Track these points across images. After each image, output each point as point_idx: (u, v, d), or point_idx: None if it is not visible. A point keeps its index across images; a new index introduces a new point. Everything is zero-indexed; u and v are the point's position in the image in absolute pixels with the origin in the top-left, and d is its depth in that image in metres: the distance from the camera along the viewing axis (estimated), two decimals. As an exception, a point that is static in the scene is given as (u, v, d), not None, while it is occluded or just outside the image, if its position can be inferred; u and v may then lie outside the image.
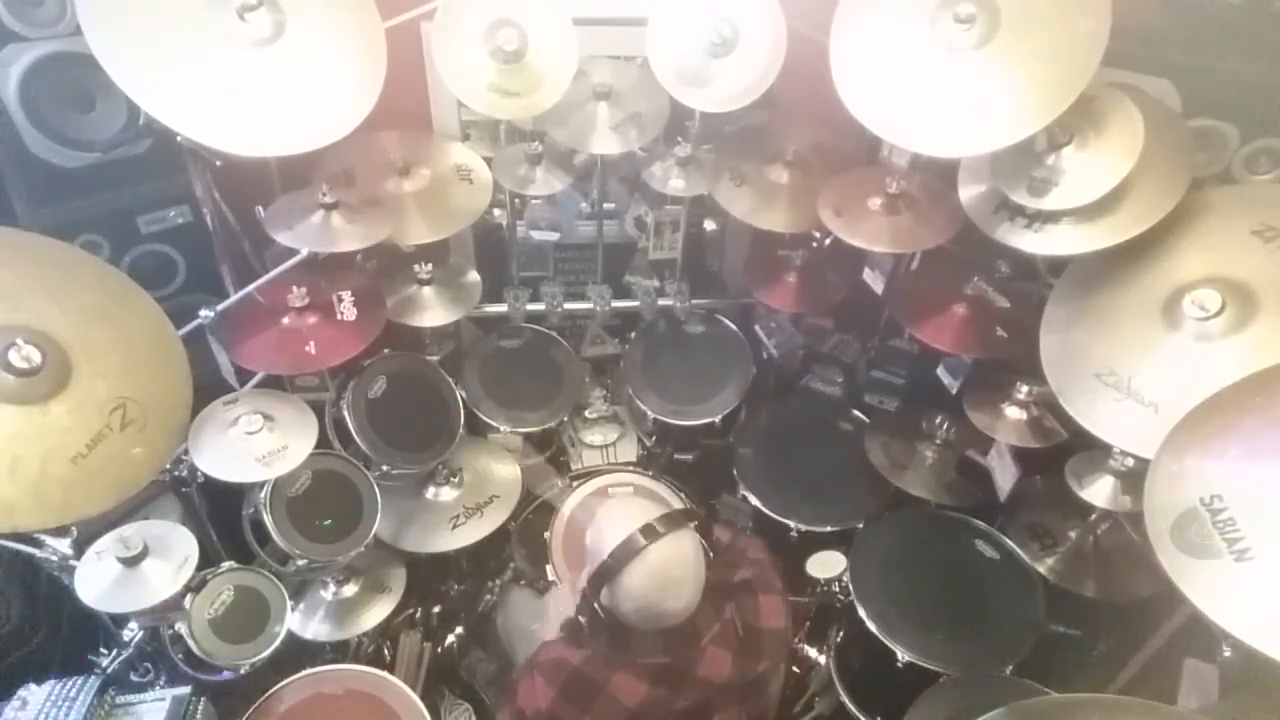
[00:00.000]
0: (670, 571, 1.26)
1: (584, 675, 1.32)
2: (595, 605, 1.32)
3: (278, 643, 1.67)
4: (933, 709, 1.71)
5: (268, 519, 1.70)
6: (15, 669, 1.65)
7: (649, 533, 1.25)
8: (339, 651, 1.96)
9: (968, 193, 1.72)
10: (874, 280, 2.14)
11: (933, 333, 1.93)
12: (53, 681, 1.46)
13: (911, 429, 2.15)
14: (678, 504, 2.12)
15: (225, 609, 1.64)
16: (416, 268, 2.05)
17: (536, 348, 2.42)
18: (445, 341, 2.30)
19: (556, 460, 2.45)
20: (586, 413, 2.49)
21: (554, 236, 2.23)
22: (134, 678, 1.65)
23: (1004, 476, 1.92)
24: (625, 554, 1.25)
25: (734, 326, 2.44)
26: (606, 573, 1.27)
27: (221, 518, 1.81)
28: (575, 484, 2.22)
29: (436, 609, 2.25)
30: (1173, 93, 1.67)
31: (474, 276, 2.21)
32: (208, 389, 1.67)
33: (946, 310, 1.94)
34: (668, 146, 2.05)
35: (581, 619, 1.38)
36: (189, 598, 1.57)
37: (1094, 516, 1.81)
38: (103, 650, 1.63)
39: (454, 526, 2.07)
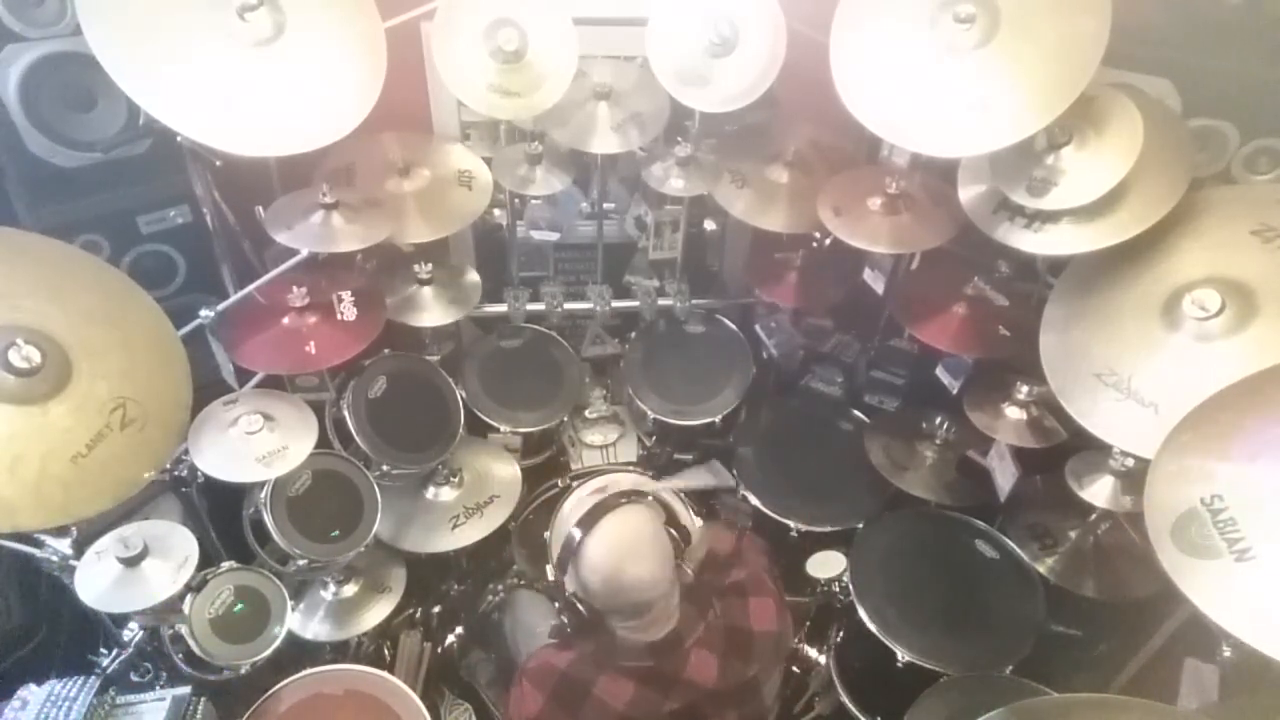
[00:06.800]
0: (625, 537, 1.33)
1: (571, 678, 1.34)
2: (569, 595, 1.36)
3: (278, 643, 1.66)
4: (933, 709, 1.71)
5: (268, 519, 1.70)
6: (15, 669, 1.65)
7: (598, 508, 1.34)
8: (339, 651, 1.95)
9: (967, 193, 1.72)
10: (874, 280, 2.14)
11: (933, 333, 1.93)
12: (53, 681, 1.45)
13: (911, 429, 2.15)
14: (675, 502, 2.12)
15: (225, 609, 1.64)
16: (416, 267, 2.05)
17: (536, 348, 2.42)
18: (445, 341, 2.30)
19: (556, 460, 2.45)
20: (586, 413, 2.49)
21: (554, 236, 2.23)
22: (134, 678, 1.65)
23: (1004, 476, 1.91)
24: (583, 526, 1.33)
25: (734, 326, 2.43)
26: (569, 549, 1.34)
27: (221, 518, 1.81)
28: (575, 484, 2.21)
29: (436, 609, 2.25)
30: (1173, 93, 1.67)
31: (474, 276, 2.21)
32: (208, 389, 1.67)
33: (946, 310, 1.94)
34: (668, 146, 2.05)
35: (563, 617, 1.40)
36: (189, 598, 1.57)
37: (1094, 516, 1.80)
38: (103, 650, 1.63)
39: (454, 526, 2.07)
